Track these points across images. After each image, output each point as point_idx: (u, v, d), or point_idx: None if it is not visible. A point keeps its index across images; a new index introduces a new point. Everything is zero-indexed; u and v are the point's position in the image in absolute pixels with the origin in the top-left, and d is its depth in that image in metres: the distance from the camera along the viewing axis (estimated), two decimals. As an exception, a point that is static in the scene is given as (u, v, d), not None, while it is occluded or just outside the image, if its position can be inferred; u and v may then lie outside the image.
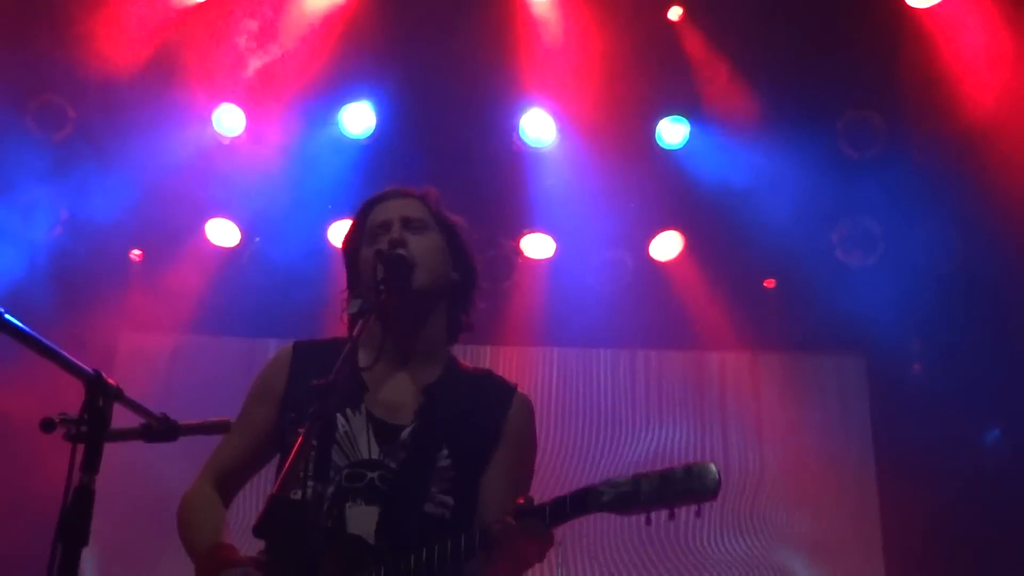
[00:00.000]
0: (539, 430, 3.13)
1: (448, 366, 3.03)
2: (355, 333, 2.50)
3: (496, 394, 3.04)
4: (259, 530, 2.09)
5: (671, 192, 7.40)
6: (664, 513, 2.56)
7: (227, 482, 2.97)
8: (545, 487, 2.69)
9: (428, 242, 2.98)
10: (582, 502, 2.59)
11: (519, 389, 3.07)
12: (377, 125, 7.19)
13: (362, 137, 7.22)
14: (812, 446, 7.72)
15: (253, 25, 6.74)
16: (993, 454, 7.39)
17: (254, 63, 6.86)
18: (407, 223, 2.98)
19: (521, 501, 2.60)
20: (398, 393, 2.92)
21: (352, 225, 3.13)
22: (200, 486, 2.96)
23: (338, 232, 7.51)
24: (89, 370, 2.10)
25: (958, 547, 6.99)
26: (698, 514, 2.52)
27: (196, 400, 6.62)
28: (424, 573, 2.60)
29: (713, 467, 2.53)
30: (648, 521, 2.58)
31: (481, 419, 2.96)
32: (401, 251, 2.85)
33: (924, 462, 7.17)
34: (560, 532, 2.72)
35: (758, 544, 7.52)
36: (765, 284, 7.72)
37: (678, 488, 2.52)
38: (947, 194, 7.17)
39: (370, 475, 2.79)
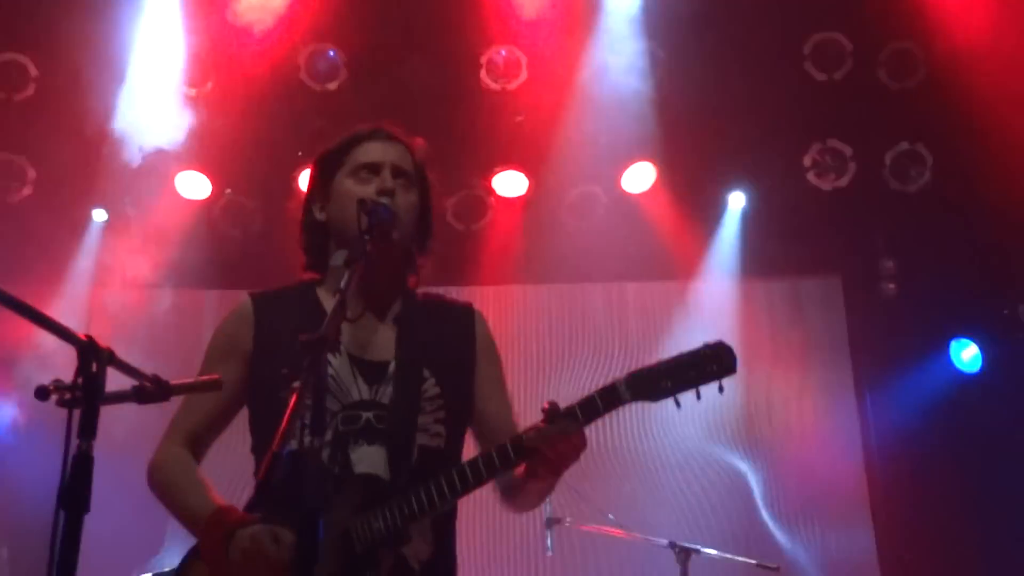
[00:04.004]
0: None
1: (404, 297, 3.06)
2: (343, 285, 2.45)
3: (458, 314, 3.11)
4: (263, 487, 2.03)
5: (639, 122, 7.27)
6: (691, 395, 2.64)
7: (197, 443, 2.92)
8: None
9: (412, 197, 2.99)
10: (612, 395, 2.64)
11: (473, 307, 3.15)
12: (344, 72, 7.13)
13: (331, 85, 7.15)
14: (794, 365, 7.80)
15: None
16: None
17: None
18: (396, 173, 2.98)
19: (547, 406, 2.63)
20: (370, 330, 2.92)
21: (333, 149, 3.07)
22: (170, 449, 2.89)
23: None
24: (81, 335, 2.05)
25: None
26: (720, 390, 2.62)
27: (159, 354, 6.38)
28: (452, 494, 2.64)
29: (727, 344, 2.64)
30: (678, 404, 2.64)
31: (454, 341, 3.02)
32: (387, 202, 2.85)
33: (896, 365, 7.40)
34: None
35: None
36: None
37: (700, 368, 2.63)
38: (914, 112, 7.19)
39: (365, 415, 2.79)
